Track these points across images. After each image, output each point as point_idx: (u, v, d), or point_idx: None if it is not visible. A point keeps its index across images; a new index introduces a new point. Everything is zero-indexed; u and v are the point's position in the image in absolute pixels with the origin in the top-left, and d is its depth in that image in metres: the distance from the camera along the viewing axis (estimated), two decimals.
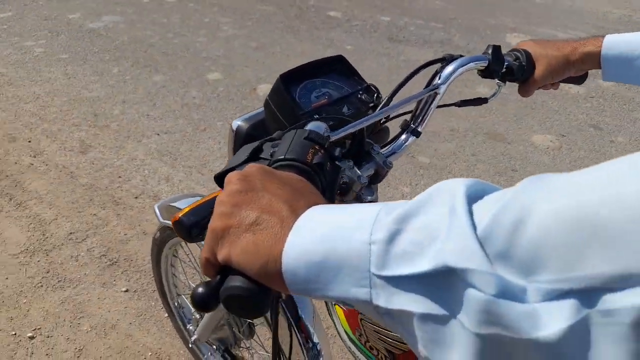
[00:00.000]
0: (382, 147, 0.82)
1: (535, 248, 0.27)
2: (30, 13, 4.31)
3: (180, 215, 0.53)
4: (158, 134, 2.75)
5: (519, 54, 0.90)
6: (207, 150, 2.62)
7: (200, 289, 0.43)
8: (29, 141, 2.66)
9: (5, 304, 1.76)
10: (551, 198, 0.27)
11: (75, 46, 3.75)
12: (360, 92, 0.78)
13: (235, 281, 0.41)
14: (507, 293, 0.27)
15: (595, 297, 0.25)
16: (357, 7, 4.66)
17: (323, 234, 0.36)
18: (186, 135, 2.74)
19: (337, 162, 0.67)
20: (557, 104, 3.15)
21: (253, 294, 0.40)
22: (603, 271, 0.24)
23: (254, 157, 0.59)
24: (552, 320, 0.26)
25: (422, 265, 0.31)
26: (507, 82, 0.94)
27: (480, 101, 0.91)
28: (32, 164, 2.48)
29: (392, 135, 0.86)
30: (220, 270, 0.43)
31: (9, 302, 1.77)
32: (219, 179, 0.54)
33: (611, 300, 0.24)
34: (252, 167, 0.47)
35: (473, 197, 0.32)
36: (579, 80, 0.95)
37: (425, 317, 0.31)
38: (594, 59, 0.85)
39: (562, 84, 0.97)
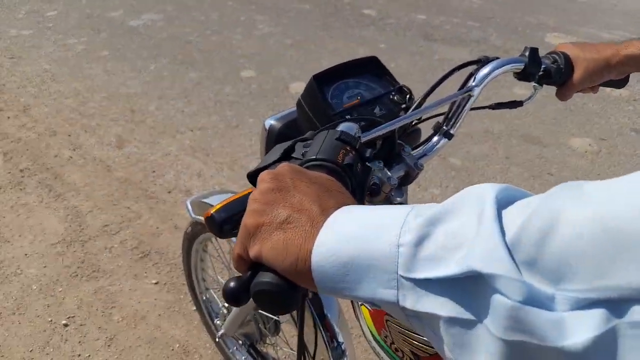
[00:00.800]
0: (413, 149, 0.82)
1: (564, 256, 0.26)
2: (74, 12, 4.45)
3: (212, 211, 0.54)
4: (192, 130, 2.80)
5: (557, 57, 0.87)
6: (238, 146, 2.66)
7: (231, 284, 0.44)
8: (69, 135, 2.75)
9: (43, 292, 1.82)
10: (581, 206, 0.27)
11: (116, 43, 3.85)
12: (393, 93, 0.78)
13: (266, 277, 0.41)
14: (535, 300, 0.27)
15: (624, 308, 0.24)
16: (392, 5, 4.63)
17: (351, 235, 0.37)
18: (219, 132, 2.78)
19: (367, 163, 0.67)
20: (598, 107, 3.06)
21: (282, 290, 0.41)
22: (633, 281, 0.24)
23: (286, 156, 0.59)
24: (580, 330, 0.25)
25: (450, 269, 0.31)
26: (545, 85, 0.92)
27: (515, 104, 0.89)
28: (71, 157, 2.56)
29: (424, 137, 0.86)
30: (252, 266, 0.44)
31: (46, 289, 1.83)
32: (252, 177, 0.55)
33: None
34: (283, 166, 0.47)
35: (503, 203, 0.32)
36: (620, 83, 0.92)
37: (452, 321, 0.31)
38: (636, 62, 0.82)
39: (601, 87, 0.95)
